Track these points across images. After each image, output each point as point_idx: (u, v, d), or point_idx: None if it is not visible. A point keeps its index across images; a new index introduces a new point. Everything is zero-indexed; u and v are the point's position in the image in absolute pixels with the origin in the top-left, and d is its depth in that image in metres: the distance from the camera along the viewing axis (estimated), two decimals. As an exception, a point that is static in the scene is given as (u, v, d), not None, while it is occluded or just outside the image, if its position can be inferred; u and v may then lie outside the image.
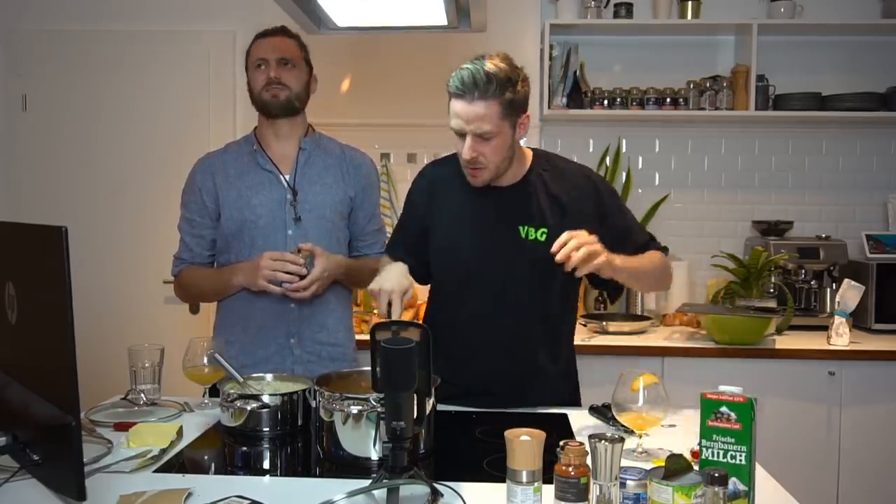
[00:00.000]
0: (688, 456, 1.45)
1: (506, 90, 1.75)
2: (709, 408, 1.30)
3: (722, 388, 1.30)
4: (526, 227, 1.90)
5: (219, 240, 2.17)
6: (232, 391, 1.74)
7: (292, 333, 2.13)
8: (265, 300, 2.09)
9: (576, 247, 1.68)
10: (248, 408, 1.70)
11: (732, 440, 1.27)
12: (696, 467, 1.29)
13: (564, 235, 1.71)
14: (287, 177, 2.14)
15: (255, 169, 2.15)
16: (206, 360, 1.86)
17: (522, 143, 1.96)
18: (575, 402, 2.03)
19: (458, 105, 1.77)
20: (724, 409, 1.28)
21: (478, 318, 1.93)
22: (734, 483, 1.25)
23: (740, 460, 1.27)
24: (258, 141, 2.19)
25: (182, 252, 2.21)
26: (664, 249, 2.04)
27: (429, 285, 2.09)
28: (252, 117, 2.23)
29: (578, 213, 1.90)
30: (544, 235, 1.88)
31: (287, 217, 2.11)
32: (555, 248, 1.70)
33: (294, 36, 2.16)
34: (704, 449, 1.32)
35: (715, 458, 1.29)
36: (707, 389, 1.33)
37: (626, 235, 1.94)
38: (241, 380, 1.79)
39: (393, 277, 1.79)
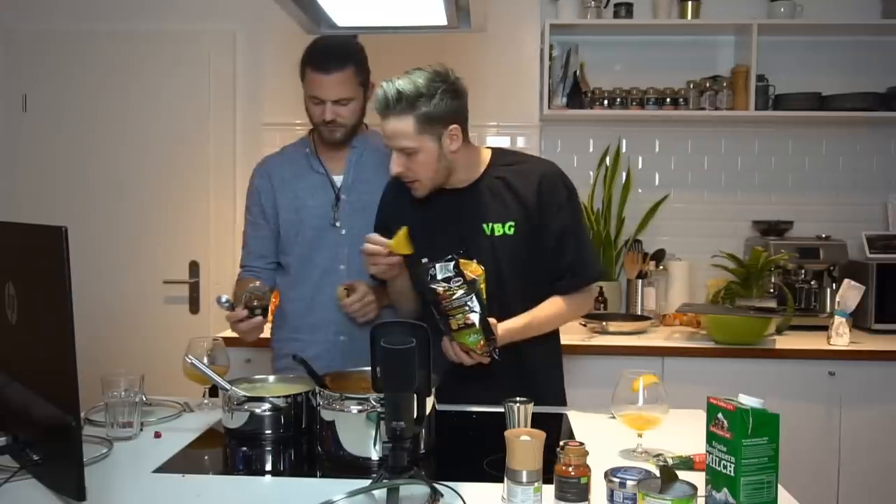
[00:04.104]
0: (697, 460, 1.45)
1: (416, 106, 1.75)
2: (711, 412, 1.28)
3: (742, 397, 1.25)
4: (490, 225, 1.88)
5: (280, 241, 2.21)
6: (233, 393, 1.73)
7: (342, 332, 2.15)
8: (319, 299, 2.14)
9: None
10: (250, 410, 1.69)
11: (725, 449, 1.24)
12: (689, 476, 1.27)
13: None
14: (339, 178, 2.18)
15: (308, 172, 2.19)
16: (205, 360, 1.86)
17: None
18: (560, 400, 2.01)
19: (381, 122, 1.80)
20: (720, 415, 1.26)
21: None
22: (725, 494, 1.23)
23: (730, 471, 1.23)
24: (313, 142, 2.22)
25: (244, 258, 2.25)
26: (588, 276, 1.96)
27: None
28: (252, 117, 2.22)
29: (541, 207, 1.88)
30: (512, 229, 1.87)
31: (339, 218, 2.15)
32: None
33: (353, 60, 2.08)
34: (708, 454, 1.30)
35: (713, 466, 1.27)
36: (706, 390, 1.31)
37: (559, 245, 1.90)
38: (228, 387, 1.72)
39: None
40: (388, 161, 2.14)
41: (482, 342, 1.70)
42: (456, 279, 1.66)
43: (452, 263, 1.67)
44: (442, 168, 1.84)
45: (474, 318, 1.68)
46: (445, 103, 1.78)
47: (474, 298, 1.68)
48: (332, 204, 2.16)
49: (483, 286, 1.71)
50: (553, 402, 1.97)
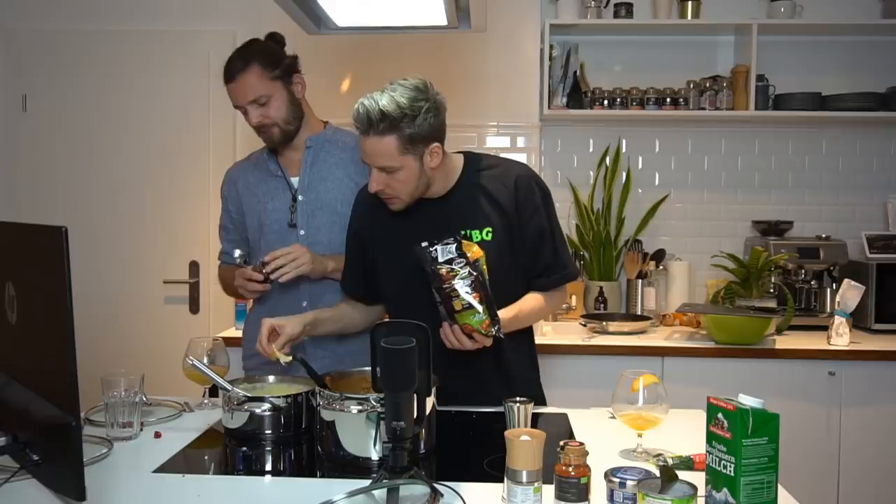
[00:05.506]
0: (697, 460, 1.44)
1: (400, 128, 1.71)
2: (711, 412, 1.28)
3: (742, 397, 1.25)
4: (468, 232, 1.87)
5: (249, 244, 2.26)
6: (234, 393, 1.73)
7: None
8: (282, 300, 2.15)
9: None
10: (250, 410, 1.69)
11: (724, 449, 1.24)
12: (689, 476, 1.27)
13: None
14: (296, 180, 2.18)
15: (269, 176, 2.22)
16: (205, 360, 1.86)
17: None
18: (539, 397, 2.00)
19: (361, 139, 1.76)
20: (720, 415, 1.26)
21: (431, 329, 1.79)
22: (725, 494, 1.23)
23: (730, 471, 1.23)
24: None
25: (221, 254, 2.35)
26: (566, 277, 1.97)
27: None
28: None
29: (517, 211, 1.88)
30: (490, 235, 1.87)
31: (296, 219, 2.16)
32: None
33: (254, 59, 2.07)
34: (708, 454, 1.30)
35: (713, 466, 1.27)
36: (706, 390, 1.31)
37: (536, 246, 1.91)
38: (228, 387, 1.73)
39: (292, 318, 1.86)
40: (345, 157, 2.18)
41: (487, 322, 1.70)
42: (458, 260, 1.66)
43: (455, 245, 1.67)
44: (422, 184, 1.83)
45: (479, 297, 1.67)
46: (428, 122, 1.73)
47: (478, 278, 1.67)
48: (290, 205, 2.17)
49: (485, 267, 1.71)
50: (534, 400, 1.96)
